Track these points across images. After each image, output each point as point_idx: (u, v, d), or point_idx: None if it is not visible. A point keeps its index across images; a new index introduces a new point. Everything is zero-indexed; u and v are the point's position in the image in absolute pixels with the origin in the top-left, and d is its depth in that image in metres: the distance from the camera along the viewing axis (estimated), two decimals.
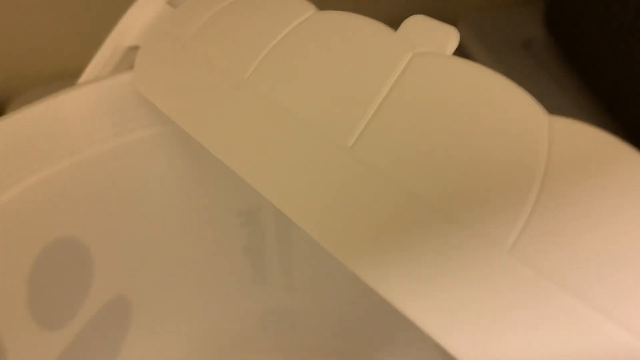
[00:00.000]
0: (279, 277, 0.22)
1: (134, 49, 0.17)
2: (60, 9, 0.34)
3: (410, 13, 0.36)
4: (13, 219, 0.16)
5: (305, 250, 0.21)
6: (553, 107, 0.32)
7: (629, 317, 0.08)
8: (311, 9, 0.13)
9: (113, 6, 0.30)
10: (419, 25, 0.12)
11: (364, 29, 0.12)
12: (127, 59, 0.17)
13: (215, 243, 0.20)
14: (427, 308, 0.09)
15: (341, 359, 0.22)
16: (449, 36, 0.11)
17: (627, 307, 0.08)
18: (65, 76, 0.35)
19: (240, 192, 0.20)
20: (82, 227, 0.18)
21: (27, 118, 0.16)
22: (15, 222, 0.16)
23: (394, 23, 0.33)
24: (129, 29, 0.17)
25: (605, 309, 0.08)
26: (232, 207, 0.20)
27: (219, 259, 0.21)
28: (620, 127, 0.31)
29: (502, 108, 0.10)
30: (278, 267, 0.22)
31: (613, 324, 0.08)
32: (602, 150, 0.09)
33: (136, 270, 0.19)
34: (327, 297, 0.22)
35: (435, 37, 0.11)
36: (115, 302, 0.19)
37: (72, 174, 0.17)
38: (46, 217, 0.17)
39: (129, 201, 0.18)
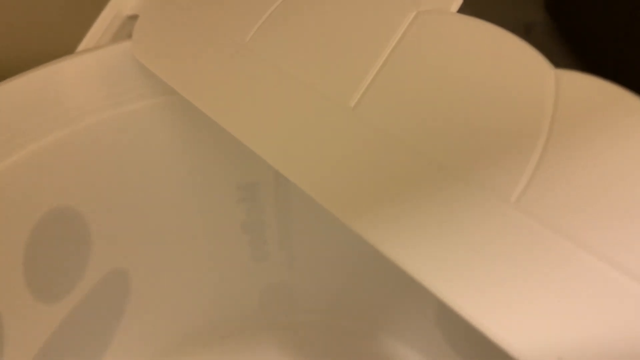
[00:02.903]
0: (278, 254, 0.22)
1: (132, 18, 0.17)
2: None
3: None
4: (9, 187, 0.16)
5: (305, 226, 0.21)
6: None
7: (633, 264, 0.08)
8: None
9: None
10: None
11: None
12: (126, 28, 0.17)
13: (214, 218, 0.20)
14: (432, 267, 0.09)
15: (339, 336, 0.22)
16: None
17: (630, 255, 0.08)
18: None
19: (240, 165, 0.19)
20: (79, 197, 0.17)
21: (24, 84, 0.16)
22: (11, 191, 0.16)
23: None
24: None
25: (610, 257, 0.08)
26: (232, 181, 0.20)
27: (218, 235, 0.21)
28: None
29: (507, 63, 0.10)
30: (277, 243, 0.21)
31: (617, 272, 0.08)
32: (608, 101, 0.09)
33: (135, 244, 0.19)
34: (326, 274, 0.22)
35: None
36: (113, 275, 0.19)
37: (70, 143, 0.17)
38: (42, 186, 0.17)
39: (127, 173, 0.18)
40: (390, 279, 0.21)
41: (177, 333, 0.22)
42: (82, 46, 0.17)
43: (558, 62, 0.35)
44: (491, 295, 0.09)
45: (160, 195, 0.19)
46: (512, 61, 0.10)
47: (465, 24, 0.11)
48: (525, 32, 0.37)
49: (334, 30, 0.12)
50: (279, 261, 0.22)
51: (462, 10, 0.36)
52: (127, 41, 0.17)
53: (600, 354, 0.08)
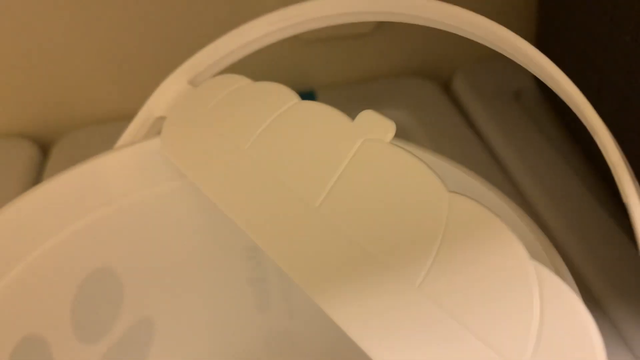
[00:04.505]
0: (280, 305, 0.26)
1: (161, 118, 0.22)
2: (104, 66, 0.39)
3: (413, 66, 0.41)
4: (63, 254, 0.20)
5: None
6: (537, 156, 0.35)
7: (499, 341, 0.12)
8: (295, 98, 0.18)
9: (147, 69, 0.35)
10: (369, 118, 0.16)
11: (331, 118, 0.16)
12: (156, 127, 0.22)
13: (225, 274, 0.24)
14: (360, 326, 0.13)
15: None
16: (389, 128, 0.15)
17: (497, 334, 0.12)
18: (103, 121, 0.40)
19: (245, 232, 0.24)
20: (115, 260, 0.22)
21: (74, 174, 0.21)
22: (64, 257, 0.20)
23: (393, 75, 0.37)
24: (157, 102, 0.22)
25: (481, 335, 0.12)
26: (239, 244, 0.24)
27: (228, 288, 0.25)
28: (597, 172, 0.35)
29: (415, 186, 0.14)
30: (279, 296, 0.25)
31: (484, 345, 0.12)
32: (481, 222, 0.13)
33: (159, 297, 0.23)
34: (321, 323, 0.26)
35: (379, 128, 0.15)
36: (141, 322, 0.23)
37: (109, 219, 0.21)
38: (88, 252, 0.21)
39: (154, 239, 0.22)
40: None
41: None
42: (121, 141, 0.22)
43: (545, 125, 0.39)
44: (401, 353, 0.13)
45: (180, 257, 0.23)
46: (419, 184, 0.14)
47: (393, 152, 0.15)
48: (515, 98, 0.40)
49: (306, 147, 0.16)
50: (281, 311, 0.26)
51: (460, 78, 0.40)
52: (156, 138, 0.21)
53: None
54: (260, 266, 0.25)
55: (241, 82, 0.20)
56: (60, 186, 0.20)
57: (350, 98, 0.39)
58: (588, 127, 0.15)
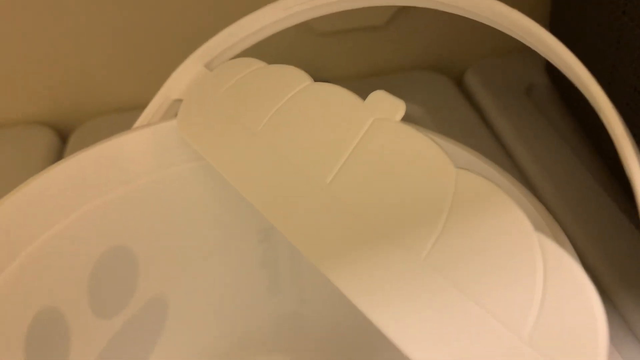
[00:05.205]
0: (291, 289, 0.26)
1: (177, 101, 0.22)
2: (122, 54, 0.39)
3: (425, 61, 0.41)
4: (81, 230, 0.21)
5: (313, 265, 0.25)
6: (549, 150, 0.35)
7: (502, 311, 0.12)
8: (308, 80, 0.18)
9: (164, 57, 0.36)
10: (380, 98, 0.16)
11: (343, 99, 0.17)
12: (173, 110, 0.22)
13: (237, 257, 0.25)
14: (367, 297, 0.14)
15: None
16: (399, 107, 0.16)
17: (500, 303, 0.12)
18: (121, 109, 0.41)
19: (258, 214, 0.24)
20: (131, 238, 0.22)
21: (94, 153, 0.21)
22: (83, 232, 0.21)
23: (405, 69, 0.38)
24: (174, 85, 0.22)
25: (484, 304, 0.12)
26: (252, 226, 0.24)
27: (240, 271, 0.25)
28: (608, 167, 0.35)
29: (424, 162, 0.14)
30: (290, 279, 0.26)
31: (487, 314, 0.12)
32: (487, 196, 0.13)
33: (172, 276, 0.24)
34: (331, 306, 0.26)
35: (390, 107, 0.16)
36: (155, 301, 0.24)
37: (127, 198, 0.22)
38: (106, 229, 0.22)
39: (169, 220, 0.23)
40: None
41: (202, 354, 0.26)
42: (138, 122, 0.22)
43: (556, 121, 0.39)
44: (405, 321, 0.13)
45: (194, 237, 0.24)
46: (427, 160, 0.14)
47: (402, 130, 0.15)
48: (527, 93, 0.41)
49: (319, 127, 0.17)
50: (292, 295, 0.26)
51: (472, 73, 0.40)
52: (173, 120, 0.22)
53: None
54: (273, 249, 0.25)
55: (256, 65, 0.20)
56: (80, 164, 0.21)
57: (363, 91, 0.40)
58: (593, 104, 0.15)
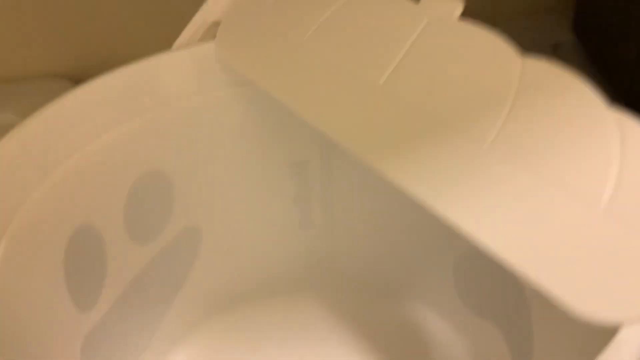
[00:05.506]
0: (323, 224, 0.26)
1: (216, 23, 0.22)
2: (144, 5, 0.39)
3: None
4: (117, 150, 0.21)
5: (345, 200, 0.25)
6: None
7: (575, 185, 0.12)
8: None
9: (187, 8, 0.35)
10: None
11: (395, 3, 0.16)
12: (211, 32, 0.22)
13: (270, 189, 0.25)
14: (432, 190, 0.13)
15: (371, 297, 0.26)
16: (456, 6, 0.15)
17: (572, 179, 0.12)
18: None
19: (292, 146, 0.24)
20: (167, 163, 0.22)
21: (130, 73, 0.21)
22: (118, 153, 0.21)
23: None
24: (212, 7, 0.22)
25: (557, 182, 0.12)
26: (287, 158, 0.24)
27: (273, 203, 0.25)
28: None
29: (485, 54, 0.14)
30: (322, 215, 0.26)
31: (565, 193, 0.12)
32: (556, 79, 0.13)
33: (207, 205, 0.24)
34: (362, 242, 0.26)
35: (445, 6, 0.15)
36: (189, 230, 0.24)
37: (164, 121, 0.22)
38: (142, 151, 0.21)
39: (205, 147, 0.23)
40: (418, 247, 0.25)
41: (234, 289, 0.26)
42: (176, 44, 0.22)
43: (583, 78, 0.38)
44: (478, 210, 0.13)
45: (229, 167, 0.24)
46: (491, 51, 0.14)
47: (461, 28, 0.15)
48: (553, 51, 0.40)
49: (372, 28, 0.16)
50: (323, 231, 0.26)
51: (498, 32, 0.39)
52: (211, 42, 0.21)
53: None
54: (306, 184, 0.25)
55: None
56: (116, 81, 0.20)
57: None
58: None
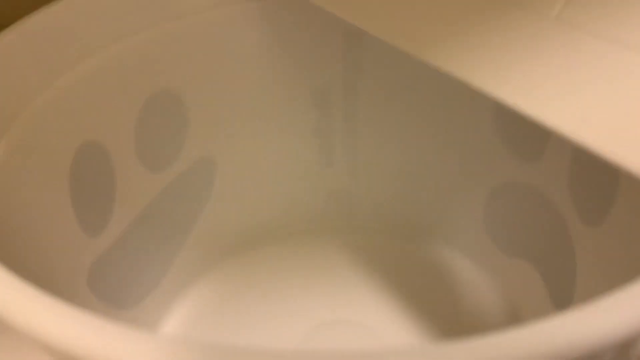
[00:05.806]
0: (343, 162, 0.24)
1: None
2: None
3: None
4: (126, 63, 0.19)
5: (368, 136, 0.24)
6: None
7: None
8: None
9: None
10: None
11: None
12: None
13: (290, 121, 0.23)
14: (493, 76, 0.12)
15: (393, 240, 0.24)
16: None
17: None
18: None
19: (314, 73, 0.22)
20: (180, 83, 0.21)
21: None
22: (127, 67, 0.19)
23: None
24: None
25: (636, 44, 0.11)
26: (307, 86, 0.22)
27: (292, 137, 0.23)
28: None
29: None
30: (342, 152, 0.24)
31: None
32: None
33: (222, 137, 0.22)
34: (384, 183, 0.24)
35: None
36: (203, 161, 0.22)
37: (177, 36, 0.20)
38: (153, 67, 0.20)
39: (221, 68, 0.21)
40: (445, 185, 0.23)
41: (249, 228, 0.24)
42: None
43: None
44: (548, 92, 0.11)
45: (246, 92, 0.22)
46: None
47: None
48: None
49: None
50: (343, 168, 0.24)
51: None
52: None
53: None
54: (327, 116, 0.23)
55: None
56: None
57: None
58: None
